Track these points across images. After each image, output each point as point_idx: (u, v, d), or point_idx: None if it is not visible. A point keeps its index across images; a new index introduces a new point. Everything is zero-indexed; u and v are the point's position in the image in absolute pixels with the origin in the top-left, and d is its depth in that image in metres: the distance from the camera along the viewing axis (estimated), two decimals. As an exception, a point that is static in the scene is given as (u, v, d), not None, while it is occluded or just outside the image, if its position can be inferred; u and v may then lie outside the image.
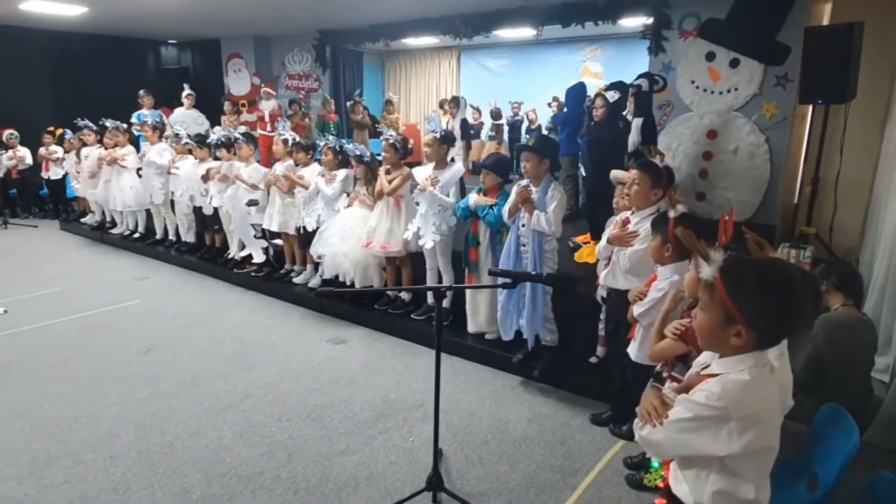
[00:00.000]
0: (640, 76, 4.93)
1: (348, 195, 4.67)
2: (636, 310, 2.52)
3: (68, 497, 2.53)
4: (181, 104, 8.74)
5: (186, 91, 8.68)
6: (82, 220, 7.66)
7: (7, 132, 8.08)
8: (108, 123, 6.66)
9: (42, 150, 8.11)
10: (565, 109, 6.87)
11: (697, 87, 5.51)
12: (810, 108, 5.19)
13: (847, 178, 4.72)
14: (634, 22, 6.61)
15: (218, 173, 5.37)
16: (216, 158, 5.55)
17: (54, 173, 8.09)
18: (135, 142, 7.25)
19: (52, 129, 8.10)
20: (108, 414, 3.20)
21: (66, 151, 7.77)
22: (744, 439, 1.27)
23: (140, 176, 6.36)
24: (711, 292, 1.32)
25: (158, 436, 2.99)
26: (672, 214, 2.34)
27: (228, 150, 5.36)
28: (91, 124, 6.89)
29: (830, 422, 2.13)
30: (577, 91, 6.14)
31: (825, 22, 5.20)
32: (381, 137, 4.42)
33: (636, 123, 4.76)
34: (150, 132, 6.22)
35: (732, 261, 1.34)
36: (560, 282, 2.97)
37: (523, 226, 3.38)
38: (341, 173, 4.64)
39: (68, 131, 7.58)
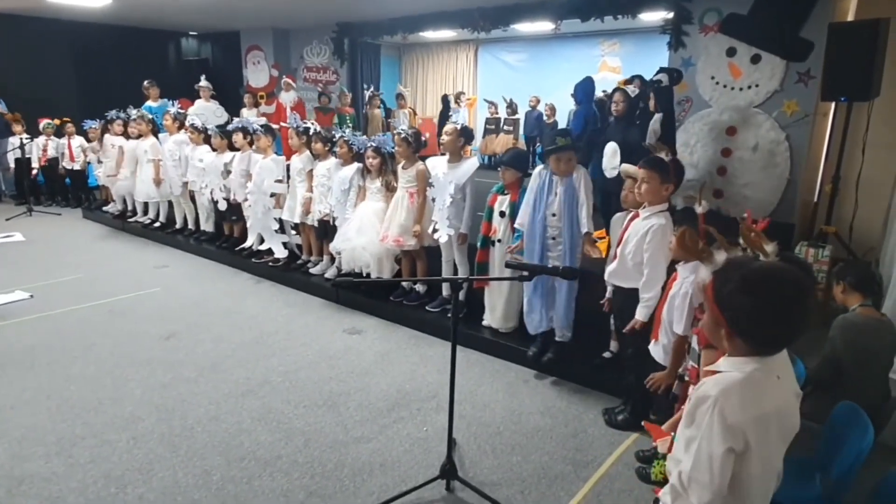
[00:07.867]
0: (659, 71, 4.90)
1: (358, 189, 4.70)
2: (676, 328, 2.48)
3: (93, 476, 2.61)
4: (199, 96, 8.81)
5: (203, 83, 8.70)
6: (104, 208, 7.80)
7: (44, 122, 8.24)
8: (133, 113, 6.76)
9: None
10: (576, 105, 6.80)
11: (717, 83, 5.46)
12: (832, 105, 5.13)
13: (869, 177, 4.67)
14: (654, 16, 6.57)
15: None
16: (232, 147, 5.62)
17: (76, 162, 8.23)
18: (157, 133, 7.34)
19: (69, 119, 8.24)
20: (131, 397, 3.29)
21: (88, 141, 7.89)
22: (728, 439, 1.23)
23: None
24: (706, 293, 1.36)
25: (180, 419, 3.07)
26: (699, 210, 2.34)
27: (245, 136, 5.43)
28: (122, 115, 6.98)
29: (845, 420, 2.13)
30: (585, 86, 6.04)
31: (850, 18, 5.13)
32: (394, 132, 4.45)
33: (657, 118, 4.72)
34: (171, 123, 6.30)
35: (729, 263, 1.36)
36: (578, 275, 2.98)
37: (553, 215, 3.33)
38: (352, 168, 4.68)
39: (90, 121, 7.70)
